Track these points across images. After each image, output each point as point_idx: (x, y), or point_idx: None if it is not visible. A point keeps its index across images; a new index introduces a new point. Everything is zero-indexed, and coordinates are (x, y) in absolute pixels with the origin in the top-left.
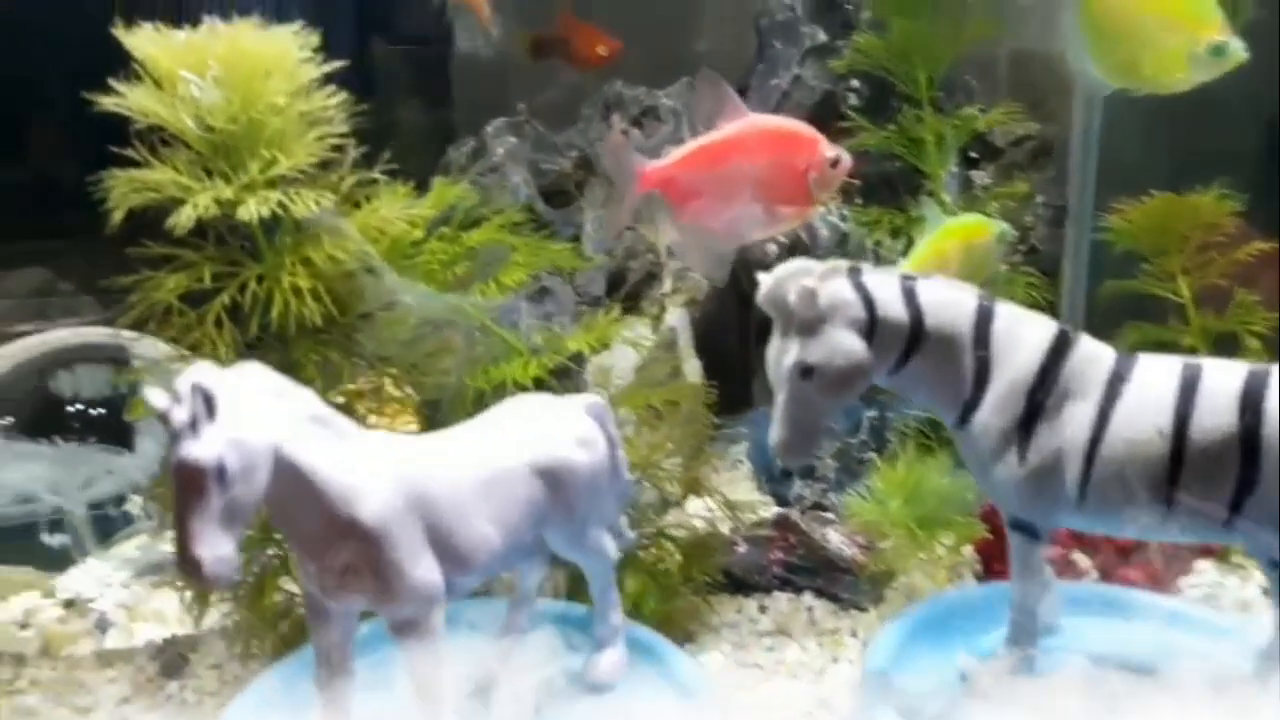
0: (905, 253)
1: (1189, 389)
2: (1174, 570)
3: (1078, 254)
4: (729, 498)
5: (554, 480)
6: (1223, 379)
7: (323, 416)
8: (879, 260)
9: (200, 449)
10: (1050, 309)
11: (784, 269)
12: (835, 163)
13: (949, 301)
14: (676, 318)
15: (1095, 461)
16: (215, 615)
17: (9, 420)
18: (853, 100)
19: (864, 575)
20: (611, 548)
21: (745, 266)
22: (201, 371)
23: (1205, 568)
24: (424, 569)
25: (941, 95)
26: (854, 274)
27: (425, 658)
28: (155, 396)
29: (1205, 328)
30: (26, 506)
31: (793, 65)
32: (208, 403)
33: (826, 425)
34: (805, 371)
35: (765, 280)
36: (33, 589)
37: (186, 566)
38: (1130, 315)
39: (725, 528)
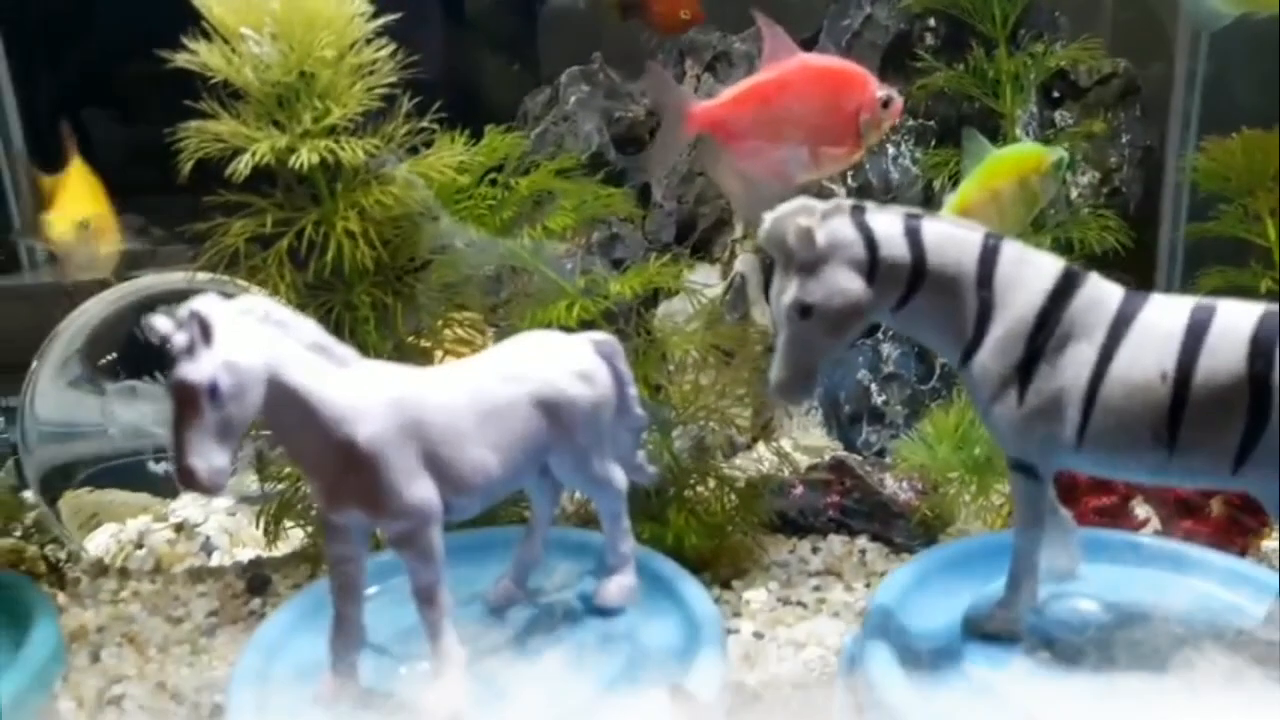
0: (954, 187)
1: (1198, 331)
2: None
3: (1178, 196)
4: (800, 443)
5: (553, 412)
6: (1235, 320)
7: (323, 344)
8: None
9: (195, 370)
10: (1127, 253)
11: (786, 207)
12: (887, 103)
13: (954, 240)
14: (746, 263)
15: (1095, 404)
16: (297, 539)
17: (112, 356)
18: (928, 39)
19: (915, 520)
20: (620, 479)
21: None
22: (202, 300)
23: None
24: (418, 488)
25: (1023, 32)
26: (856, 212)
27: (423, 570)
28: (160, 323)
29: None
30: (140, 440)
31: (865, 4)
32: (204, 329)
33: (825, 364)
34: (804, 310)
35: (766, 218)
36: (147, 513)
37: (183, 475)
38: (1225, 259)
39: (786, 470)
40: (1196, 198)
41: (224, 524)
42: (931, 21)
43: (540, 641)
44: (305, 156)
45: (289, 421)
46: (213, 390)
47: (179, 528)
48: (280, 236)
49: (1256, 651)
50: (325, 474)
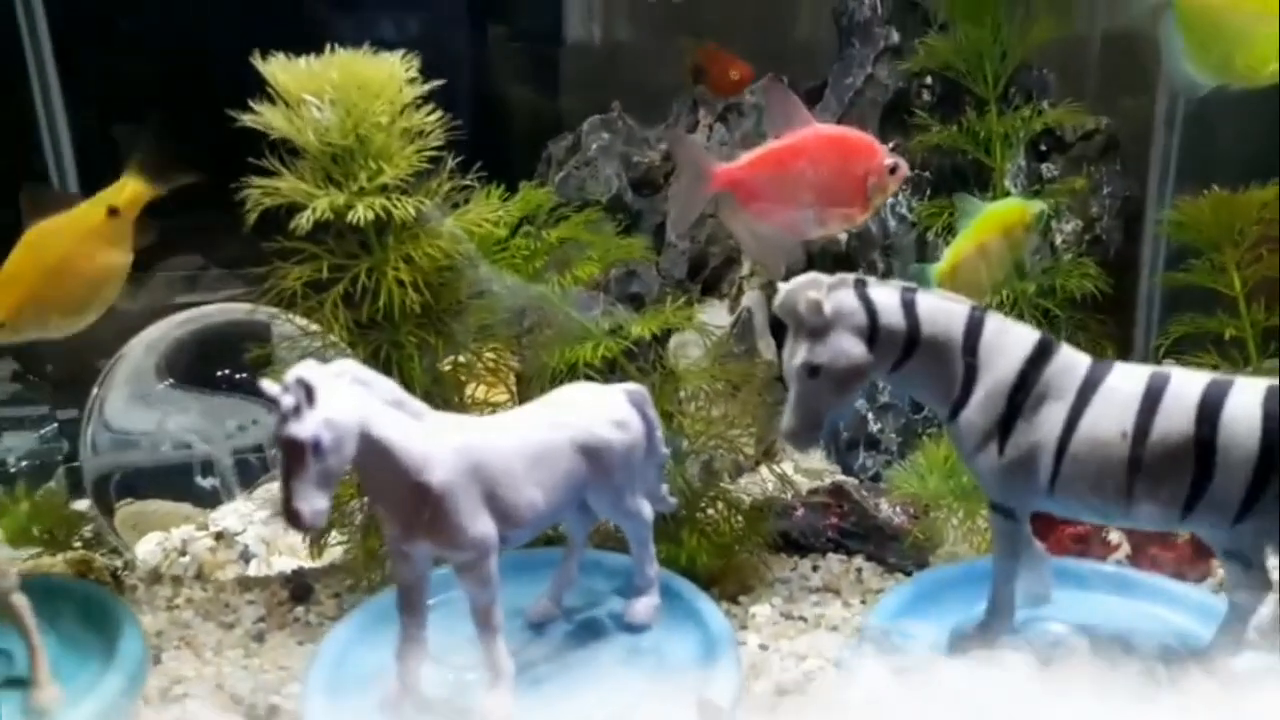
0: (948, 241)
1: (1154, 396)
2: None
3: (1155, 245)
4: (801, 465)
5: (592, 455)
6: (1185, 387)
7: (400, 400)
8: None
9: (301, 428)
10: (1107, 298)
11: (796, 281)
12: (893, 170)
13: (943, 312)
14: (753, 299)
15: (1065, 457)
16: (336, 552)
17: (170, 382)
18: (926, 97)
19: (908, 542)
20: (648, 511)
21: (823, 255)
22: (304, 367)
23: None
24: (480, 524)
25: (1013, 90)
26: (859, 285)
27: (481, 593)
28: (268, 386)
29: (1254, 321)
30: (184, 452)
31: (867, 64)
32: (308, 392)
33: (831, 417)
34: (812, 371)
35: (780, 290)
36: (189, 522)
37: (290, 517)
38: (1197, 305)
39: (789, 494)
40: (1173, 246)
41: (261, 534)
42: (929, 80)
43: (576, 655)
44: (361, 213)
45: (373, 467)
46: (316, 445)
47: (219, 536)
48: (332, 280)
49: (1203, 669)
50: (401, 512)
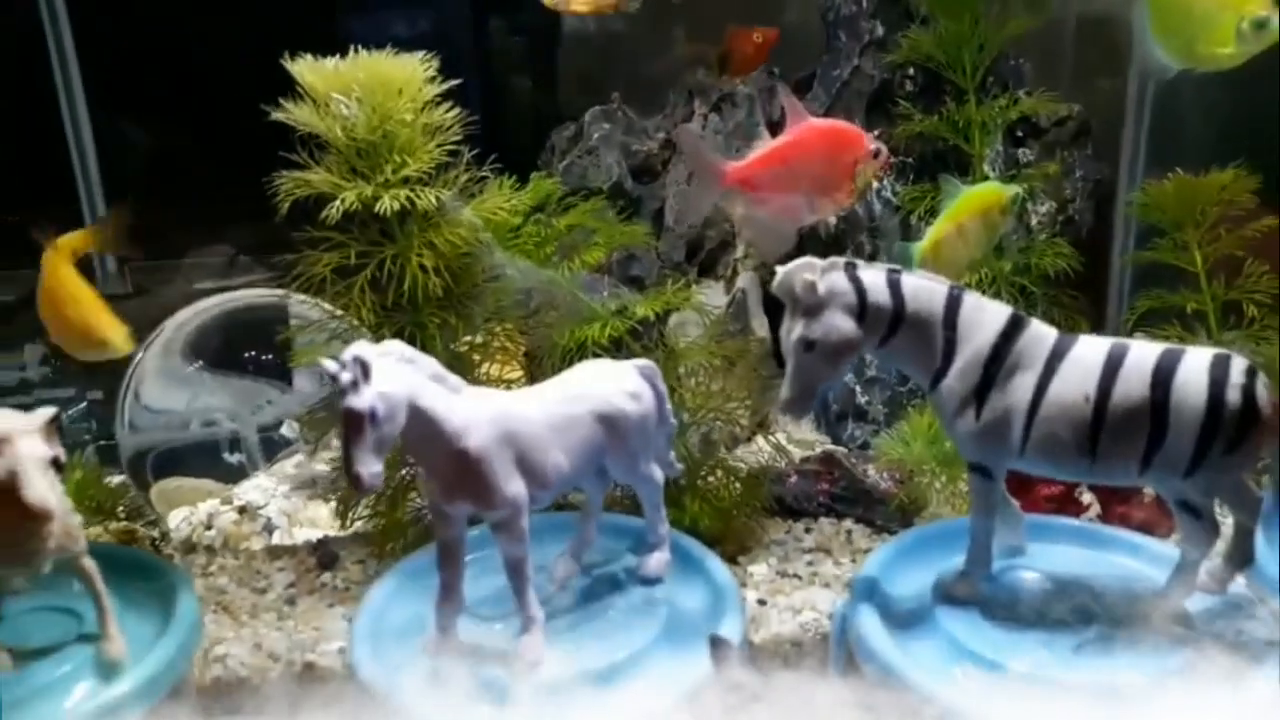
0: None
1: (1114, 364)
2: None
3: (1125, 225)
4: (793, 436)
5: (610, 424)
6: (1142, 356)
7: (441, 375)
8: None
9: (360, 400)
10: (1077, 275)
11: (793, 264)
12: (877, 154)
13: (925, 290)
14: (747, 280)
15: (1035, 420)
16: (358, 523)
17: (200, 364)
18: (908, 87)
19: (894, 505)
20: (659, 475)
21: (813, 238)
22: (359, 346)
23: None
24: (513, 486)
25: (991, 80)
26: (850, 268)
27: (515, 547)
28: (328, 364)
29: (1214, 295)
30: (210, 429)
31: (854, 57)
32: (364, 368)
33: (824, 387)
34: (808, 345)
35: (778, 272)
36: (214, 497)
37: (351, 479)
38: (1163, 281)
39: (782, 462)
40: (1140, 226)
41: (283, 506)
42: (911, 71)
43: (597, 605)
44: (387, 204)
45: (419, 436)
46: (373, 415)
47: (242, 510)
48: (359, 266)
49: (1157, 608)
50: (443, 475)
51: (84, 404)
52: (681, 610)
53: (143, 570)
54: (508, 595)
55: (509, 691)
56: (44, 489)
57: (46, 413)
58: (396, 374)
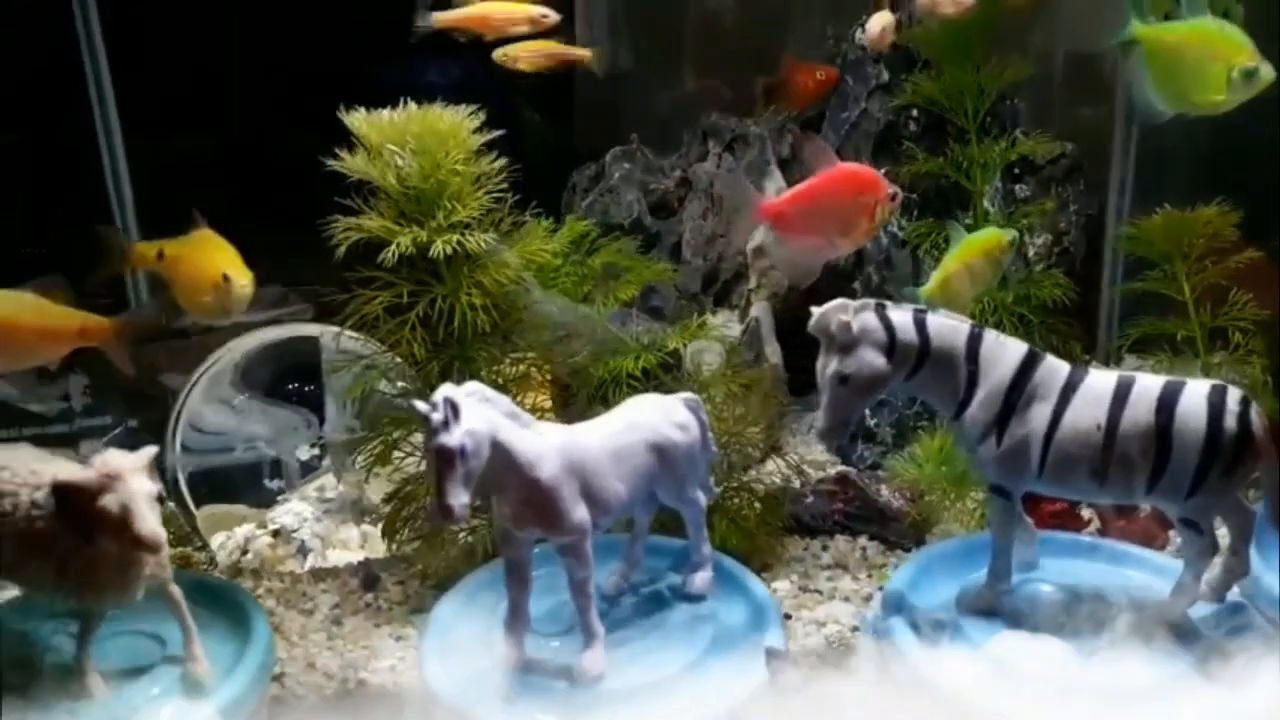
0: (936, 263)
1: (1122, 395)
2: (1167, 526)
3: (1115, 258)
4: (804, 458)
5: (661, 453)
6: (1147, 387)
7: (515, 412)
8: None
9: (451, 439)
10: (1072, 304)
11: (829, 305)
12: (893, 196)
13: (948, 329)
14: (760, 309)
15: (1051, 446)
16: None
17: (246, 394)
18: (912, 128)
19: (907, 522)
20: (702, 499)
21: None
22: (448, 389)
23: None
24: (579, 512)
25: (989, 121)
26: (880, 308)
27: (579, 569)
28: (421, 406)
29: (1202, 323)
30: (251, 453)
31: (861, 100)
32: (454, 409)
33: (855, 418)
34: (842, 380)
35: (814, 312)
36: (249, 522)
37: (442, 511)
38: (1152, 311)
39: (797, 483)
40: (1130, 258)
41: (316, 530)
42: (915, 113)
43: (649, 620)
44: (440, 248)
45: (497, 467)
46: (463, 451)
47: (276, 534)
48: (410, 305)
49: (1163, 616)
50: (515, 502)
51: (121, 430)
52: (726, 625)
53: (210, 593)
54: (560, 613)
55: (576, 703)
56: (155, 522)
57: (150, 451)
58: (480, 412)
